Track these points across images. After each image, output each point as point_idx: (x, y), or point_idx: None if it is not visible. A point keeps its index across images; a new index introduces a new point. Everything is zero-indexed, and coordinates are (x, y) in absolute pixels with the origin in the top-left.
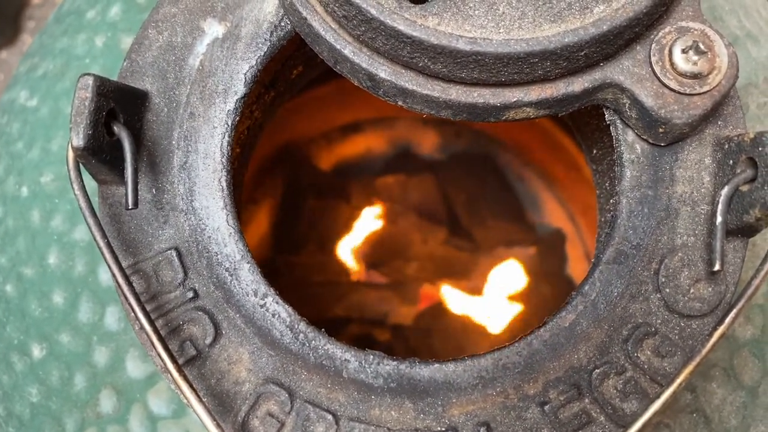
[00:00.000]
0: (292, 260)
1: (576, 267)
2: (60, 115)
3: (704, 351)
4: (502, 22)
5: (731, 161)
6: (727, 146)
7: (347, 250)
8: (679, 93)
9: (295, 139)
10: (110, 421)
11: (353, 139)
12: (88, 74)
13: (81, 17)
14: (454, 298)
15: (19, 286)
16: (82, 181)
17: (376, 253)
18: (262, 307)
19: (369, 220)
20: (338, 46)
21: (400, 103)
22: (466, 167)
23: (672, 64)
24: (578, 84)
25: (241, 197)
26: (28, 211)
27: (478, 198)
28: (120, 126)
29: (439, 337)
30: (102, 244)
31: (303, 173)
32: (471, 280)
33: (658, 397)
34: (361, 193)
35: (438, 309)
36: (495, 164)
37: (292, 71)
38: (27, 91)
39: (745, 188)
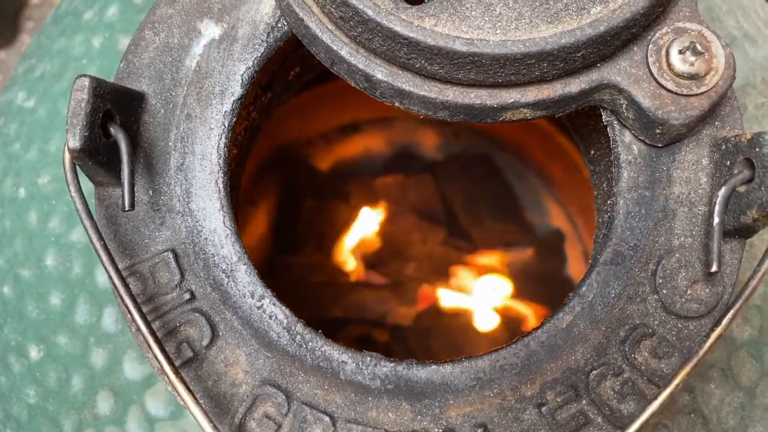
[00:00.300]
0: (291, 261)
1: (575, 267)
2: (57, 116)
3: (701, 352)
4: (499, 23)
5: (728, 162)
6: (724, 147)
7: (346, 250)
8: (676, 94)
9: (293, 139)
10: (108, 422)
11: (352, 139)
12: (84, 75)
13: (78, 18)
14: (452, 299)
15: (17, 288)
16: (78, 182)
17: (374, 253)
18: (258, 308)
19: (367, 221)
20: (335, 48)
21: (396, 104)
22: (465, 168)
23: (669, 65)
24: (575, 85)
25: (238, 198)
26: (25, 212)
27: (476, 198)
28: (116, 127)
29: (437, 338)
30: (98, 246)
31: (301, 174)
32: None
33: (655, 398)
34: (360, 194)
35: (436, 309)
36: (494, 165)
37: (290, 72)
38: (24, 92)
39: (742, 189)
